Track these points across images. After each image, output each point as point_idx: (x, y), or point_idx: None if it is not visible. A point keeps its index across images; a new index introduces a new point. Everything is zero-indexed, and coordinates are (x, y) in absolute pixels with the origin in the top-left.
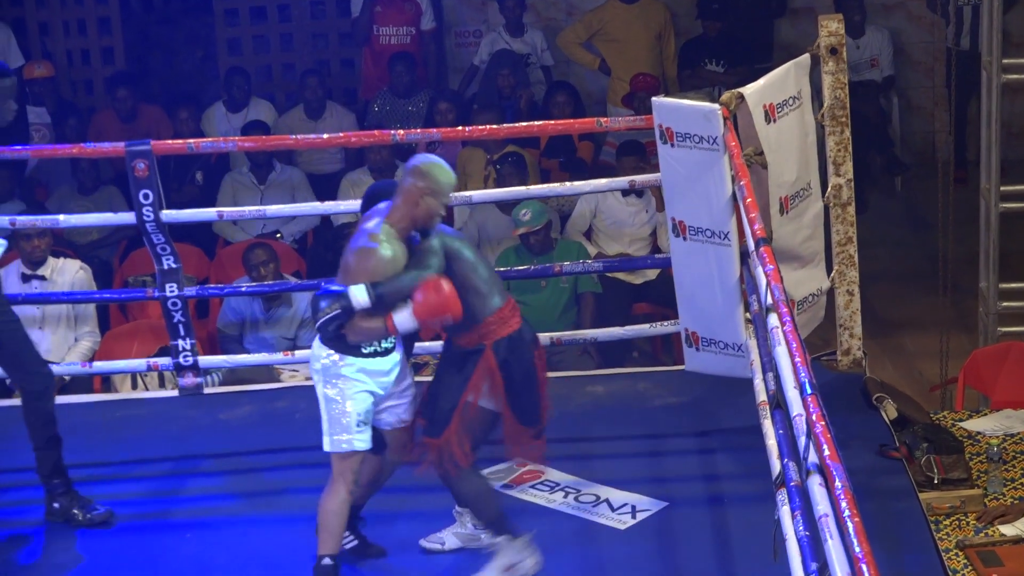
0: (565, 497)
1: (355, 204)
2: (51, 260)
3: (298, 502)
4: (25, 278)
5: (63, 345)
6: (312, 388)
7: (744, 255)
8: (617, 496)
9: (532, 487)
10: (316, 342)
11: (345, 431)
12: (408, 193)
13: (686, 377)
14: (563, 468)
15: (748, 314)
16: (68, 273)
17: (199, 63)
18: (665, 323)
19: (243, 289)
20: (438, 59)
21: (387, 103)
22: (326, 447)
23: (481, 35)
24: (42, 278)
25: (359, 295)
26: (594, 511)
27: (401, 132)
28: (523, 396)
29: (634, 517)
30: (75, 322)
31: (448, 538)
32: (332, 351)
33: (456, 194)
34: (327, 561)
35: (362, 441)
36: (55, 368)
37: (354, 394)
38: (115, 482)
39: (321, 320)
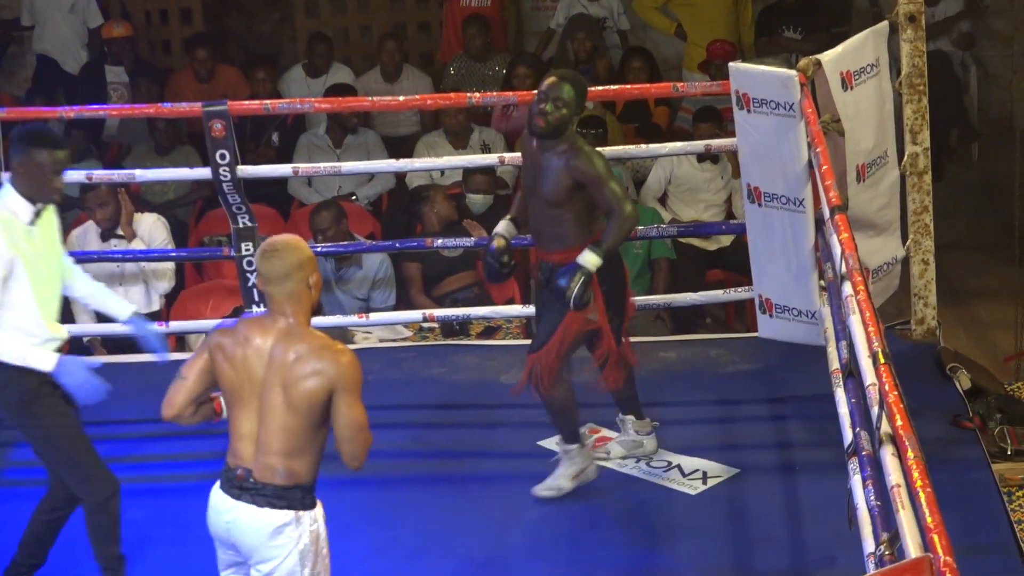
0: (637, 463)
1: (430, 165)
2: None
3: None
4: (104, 236)
5: (142, 300)
6: (384, 351)
7: (819, 222)
8: (688, 462)
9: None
10: (261, 515)
11: None
12: None
13: (759, 344)
14: None
15: (822, 282)
16: (145, 224)
17: (276, 25)
18: (739, 289)
19: (318, 249)
20: (516, 23)
21: (463, 67)
22: None
23: None
24: (121, 236)
25: (592, 261)
26: (665, 476)
27: (477, 95)
28: (614, 309)
29: (705, 483)
30: (153, 277)
31: (613, 447)
32: (295, 513)
33: None
34: None
35: None
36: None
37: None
38: (187, 439)
39: (576, 298)
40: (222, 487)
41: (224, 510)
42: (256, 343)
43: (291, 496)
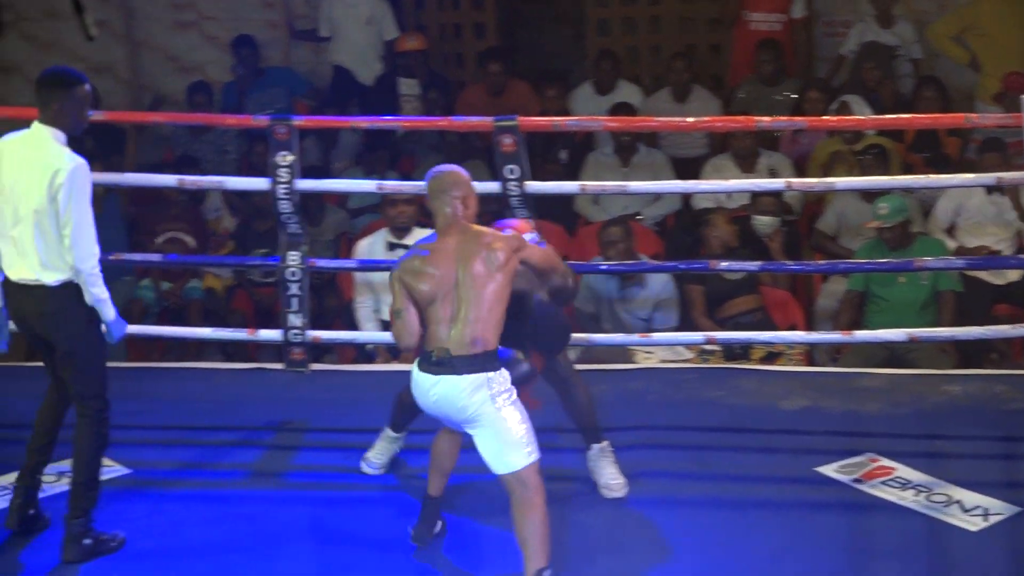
0: (916, 495)
1: (716, 187)
2: (416, 230)
3: (647, 483)
4: (391, 246)
5: None
6: (665, 371)
7: None
8: (969, 498)
9: (883, 483)
10: (460, 381)
11: (531, 440)
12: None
13: None
14: (915, 466)
15: None
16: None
17: (567, 41)
18: None
19: (603, 267)
20: (807, 48)
21: (753, 90)
22: (520, 464)
23: (850, 24)
24: (406, 247)
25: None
26: (945, 511)
27: (766, 119)
28: None
29: (986, 520)
30: None
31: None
32: (486, 375)
33: (818, 180)
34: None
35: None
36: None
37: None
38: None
39: None
40: (422, 369)
41: (429, 387)
42: (442, 251)
43: (484, 360)
